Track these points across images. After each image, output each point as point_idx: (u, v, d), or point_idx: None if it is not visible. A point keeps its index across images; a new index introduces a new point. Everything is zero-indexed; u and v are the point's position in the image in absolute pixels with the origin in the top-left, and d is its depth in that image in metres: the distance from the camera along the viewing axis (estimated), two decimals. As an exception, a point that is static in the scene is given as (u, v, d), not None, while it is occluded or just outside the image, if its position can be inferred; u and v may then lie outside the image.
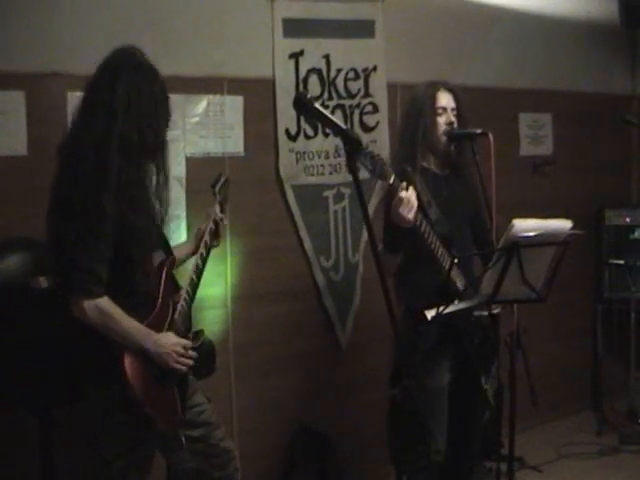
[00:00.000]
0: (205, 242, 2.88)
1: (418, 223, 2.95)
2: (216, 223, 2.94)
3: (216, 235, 2.94)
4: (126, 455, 2.60)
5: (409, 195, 2.88)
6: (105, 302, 2.48)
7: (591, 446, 4.73)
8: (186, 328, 2.74)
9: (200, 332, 2.81)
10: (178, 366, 2.60)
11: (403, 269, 3.18)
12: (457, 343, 3.18)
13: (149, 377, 2.55)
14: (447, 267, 2.96)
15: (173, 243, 2.97)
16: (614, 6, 5.07)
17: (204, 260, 2.86)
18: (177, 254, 2.89)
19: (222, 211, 3.01)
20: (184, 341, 2.64)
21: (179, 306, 2.71)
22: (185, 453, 2.76)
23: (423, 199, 2.97)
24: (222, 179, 3.12)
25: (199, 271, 2.82)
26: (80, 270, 2.45)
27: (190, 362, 2.64)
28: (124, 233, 2.51)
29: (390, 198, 2.95)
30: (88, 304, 2.46)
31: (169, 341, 2.59)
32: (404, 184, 2.89)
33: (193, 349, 2.70)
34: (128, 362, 2.48)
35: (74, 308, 2.48)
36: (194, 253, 2.90)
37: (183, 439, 2.66)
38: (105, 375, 2.53)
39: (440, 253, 3.04)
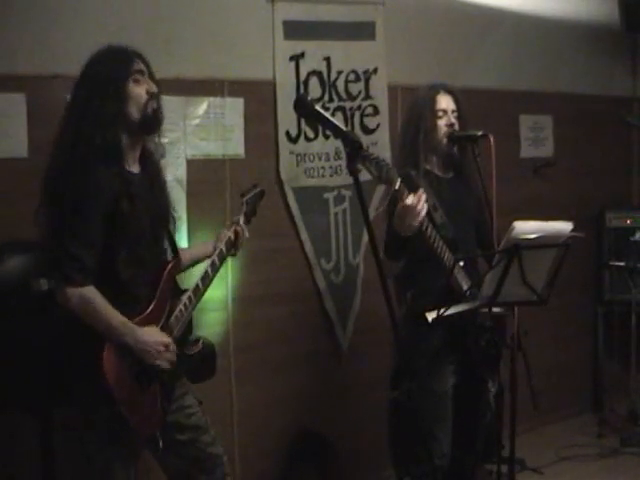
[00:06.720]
0: (220, 250, 2.84)
1: (424, 228, 2.94)
2: (236, 233, 2.91)
3: (234, 245, 2.91)
4: (109, 450, 2.56)
5: (415, 202, 2.87)
6: (89, 291, 2.45)
7: (592, 448, 4.72)
8: (182, 333, 2.70)
9: (199, 340, 2.79)
10: (158, 362, 2.54)
11: (407, 272, 3.18)
12: (462, 346, 3.17)
13: (127, 375, 2.51)
14: (450, 269, 2.96)
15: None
16: (614, 8, 5.08)
17: (215, 269, 2.81)
18: (193, 252, 2.90)
19: (247, 222, 2.98)
20: (166, 339, 2.58)
21: (177, 310, 2.68)
22: (171, 455, 2.74)
23: (429, 203, 2.97)
24: (255, 190, 3.09)
25: (207, 278, 2.77)
26: (64, 257, 2.43)
27: (172, 358, 2.58)
28: (116, 222, 2.50)
29: (395, 204, 2.93)
30: (71, 292, 2.43)
31: (151, 338, 2.54)
32: (406, 193, 2.87)
33: (188, 355, 2.69)
34: (106, 359, 2.44)
35: (57, 295, 2.46)
36: (209, 256, 2.85)
37: (160, 442, 2.62)
38: (91, 371, 2.49)
39: (446, 257, 3.03)
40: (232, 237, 2.90)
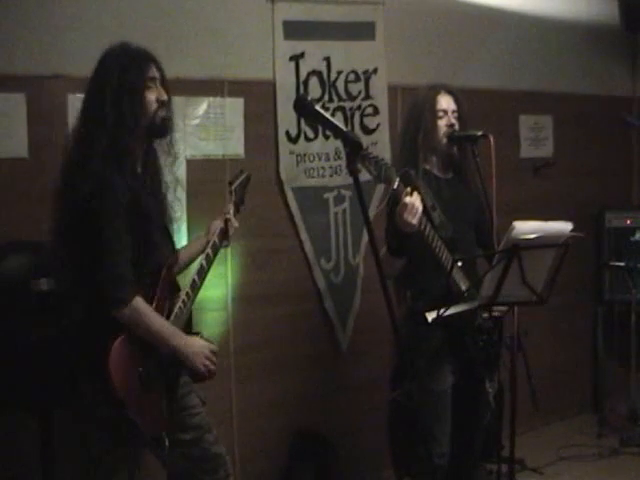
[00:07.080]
0: (214, 242, 2.85)
1: (422, 227, 2.95)
2: (226, 222, 2.91)
3: (225, 235, 2.92)
4: (114, 451, 2.59)
5: (413, 200, 2.88)
6: (137, 302, 2.50)
7: (592, 448, 4.72)
8: (182, 330, 2.70)
9: (197, 334, 2.80)
10: (203, 368, 2.62)
11: (406, 272, 3.18)
12: (460, 346, 3.18)
13: (134, 378, 2.52)
14: (449, 269, 2.96)
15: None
16: (614, 8, 5.08)
17: (210, 261, 2.82)
18: (190, 250, 2.90)
19: (237, 211, 2.99)
20: (212, 345, 2.68)
21: (176, 308, 2.68)
22: (174, 454, 2.73)
23: (427, 203, 2.98)
24: (242, 176, 3.08)
25: (203, 272, 2.78)
26: (108, 279, 2.47)
27: (214, 368, 2.66)
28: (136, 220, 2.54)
29: (394, 202, 2.94)
30: (124, 310, 2.48)
31: (197, 342, 2.64)
32: (408, 189, 2.88)
33: None
34: (111, 360, 2.45)
35: (113, 314, 2.49)
36: (204, 251, 2.86)
37: (166, 442, 2.63)
38: (94, 372, 2.50)
39: (444, 257, 3.04)
40: (223, 227, 2.90)
